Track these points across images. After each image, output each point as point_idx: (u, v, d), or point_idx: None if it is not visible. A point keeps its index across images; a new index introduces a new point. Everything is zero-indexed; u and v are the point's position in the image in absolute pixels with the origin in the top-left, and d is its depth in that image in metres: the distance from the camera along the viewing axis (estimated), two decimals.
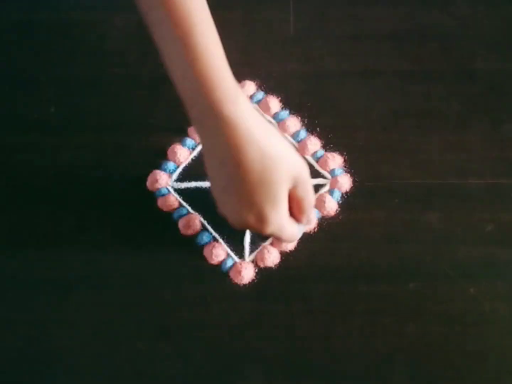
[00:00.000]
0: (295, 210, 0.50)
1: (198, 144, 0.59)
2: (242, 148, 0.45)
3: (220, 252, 0.55)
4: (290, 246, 0.55)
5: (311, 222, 0.54)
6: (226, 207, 0.49)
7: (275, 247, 0.55)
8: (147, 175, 0.58)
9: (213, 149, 0.47)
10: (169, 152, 0.59)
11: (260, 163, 0.46)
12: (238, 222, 0.49)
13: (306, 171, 0.49)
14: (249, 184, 0.46)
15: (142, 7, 0.48)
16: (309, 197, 0.50)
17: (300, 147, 0.59)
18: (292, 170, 0.47)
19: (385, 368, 0.52)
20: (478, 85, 0.61)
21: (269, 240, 0.56)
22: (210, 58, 0.45)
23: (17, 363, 0.53)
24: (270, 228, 0.48)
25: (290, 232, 0.50)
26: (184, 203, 0.58)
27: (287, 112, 0.61)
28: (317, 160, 0.59)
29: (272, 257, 0.55)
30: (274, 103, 0.61)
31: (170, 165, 0.59)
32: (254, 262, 0.56)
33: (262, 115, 0.60)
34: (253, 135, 0.46)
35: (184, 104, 0.47)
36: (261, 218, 0.47)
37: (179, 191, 0.58)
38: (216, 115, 0.45)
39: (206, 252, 0.56)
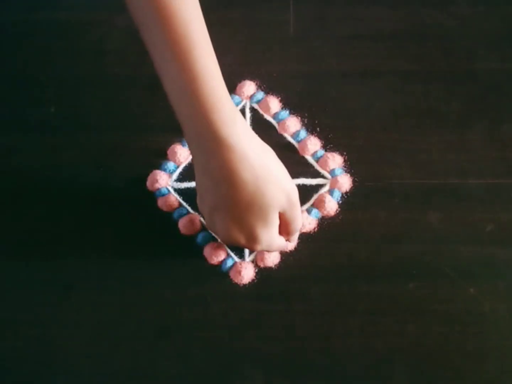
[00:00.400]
0: (282, 230, 0.51)
1: None
2: (236, 169, 0.46)
3: (220, 252, 0.55)
4: (290, 246, 0.55)
5: (294, 241, 0.55)
6: (217, 225, 0.50)
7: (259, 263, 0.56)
8: (147, 175, 0.58)
9: (207, 168, 0.47)
10: (169, 152, 0.59)
11: (254, 185, 0.47)
12: (229, 240, 0.50)
13: (296, 196, 0.50)
14: (241, 205, 0.47)
15: (138, 25, 0.47)
16: (297, 221, 0.51)
17: (300, 147, 0.59)
18: (283, 194, 0.48)
19: (385, 368, 0.52)
20: (478, 85, 0.61)
21: (252, 256, 0.56)
22: (208, 79, 0.45)
23: (17, 363, 0.53)
24: (260, 247, 0.50)
25: (278, 246, 0.52)
26: (184, 203, 0.58)
27: (287, 112, 0.61)
28: (317, 160, 0.59)
29: (272, 257, 0.55)
30: (274, 103, 0.61)
31: (170, 165, 0.59)
32: (254, 262, 0.56)
33: (262, 115, 0.61)
34: (248, 157, 0.46)
35: (179, 121, 0.47)
36: (252, 238, 0.49)
37: (179, 191, 0.58)
38: (212, 137, 0.45)
39: (206, 252, 0.56)
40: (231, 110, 0.46)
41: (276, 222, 0.49)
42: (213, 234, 0.55)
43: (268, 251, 0.52)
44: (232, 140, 0.46)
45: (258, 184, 0.47)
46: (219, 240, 0.55)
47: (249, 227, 0.48)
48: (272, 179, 0.48)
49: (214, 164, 0.46)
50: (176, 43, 0.44)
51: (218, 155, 0.46)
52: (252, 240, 0.49)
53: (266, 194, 0.47)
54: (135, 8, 0.46)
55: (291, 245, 0.55)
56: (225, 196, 0.47)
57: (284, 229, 0.51)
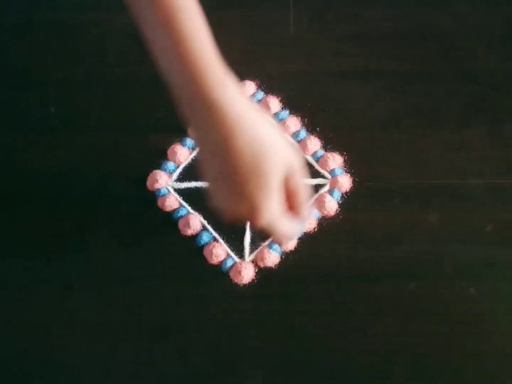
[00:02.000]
0: (289, 204, 0.48)
1: None
2: (232, 134, 0.43)
3: (220, 252, 0.55)
4: (290, 245, 0.55)
5: (306, 217, 0.51)
6: (218, 198, 0.47)
7: (276, 242, 0.55)
8: (147, 175, 0.58)
9: (204, 136, 0.45)
10: (169, 152, 0.59)
11: (251, 149, 0.44)
12: (230, 212, 0.47)
13: (298, 162, 0.46)
14: (240, 172, 0.44)
15: None
16: (302, 190, 0.48)
17: (300, 147, 0.59)
18: (284, 159, 0.45)
19: (385, 368, 0.52)
20: (478, 85, 0.61)
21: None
22: (196, 41, 0.43)
23: (17, 363, 0.53)
24: (263, 219, 0.45)
25: (285, 226, 0.47)
26: (184, 203, 0.58)
27: (287, 112, 0.61)
28: (317, 160, 0.59)
29: (272, 257, 0.55)
30: (274, 103, 0.61)
31: (170, 165, 0.59)
32: (254, 262, 0.56)
33: None
34: (243, 120, 0.43)
35: (174, 92, 0.45)
36: (253, 208, 0.45)
37: (179, 191, 0.58)
38: (204, 100, 0.43)
39: (206, 252, 0.56)
40: (221, 72, 0.44)
41: (278, 189, 0.45)
42: (216, 211, 0.49)
43: (274, 232, 0.47)
44: (225, 102, 0.43)
45: (255, 149, 0.44)
46: (223, 218, 0.49)
47: (249, 195, 0.44)
48: (271, 144, 0.44)
49: (210, 129, 0.44)
50: (162, 8, 0.43)
51: (212, 119, 0.43)
52: (253, 210, 0.45)
53: (265, 160, 0.44)
54: None
55: (301, 227, 0.51)
56: (223, 163, 0.44)
57: (291, 200, 0.47)
